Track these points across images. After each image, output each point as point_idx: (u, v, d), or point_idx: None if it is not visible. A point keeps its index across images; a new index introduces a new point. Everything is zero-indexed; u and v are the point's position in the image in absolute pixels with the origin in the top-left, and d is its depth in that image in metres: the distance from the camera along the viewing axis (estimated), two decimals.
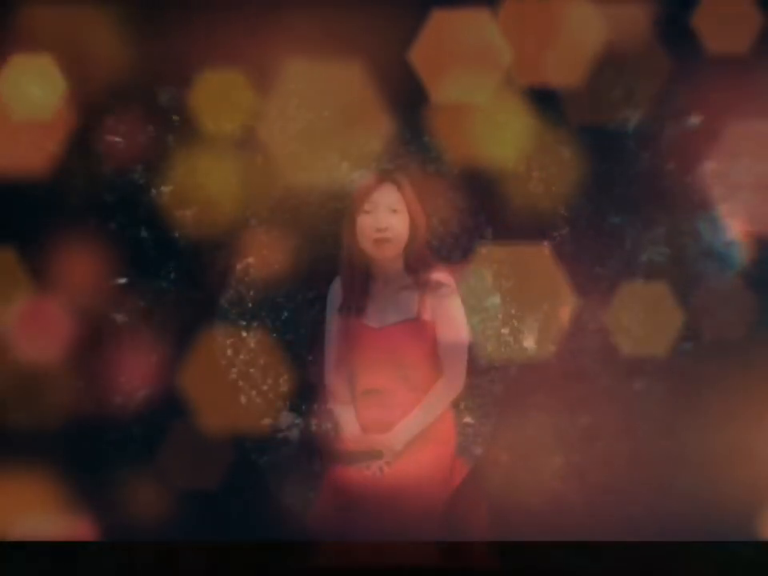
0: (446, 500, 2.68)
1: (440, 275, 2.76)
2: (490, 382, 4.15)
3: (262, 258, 3.98)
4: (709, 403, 3.02)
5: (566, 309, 3.29)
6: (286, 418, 4.24)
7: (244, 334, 4.24)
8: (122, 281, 3.38)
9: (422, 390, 2.70)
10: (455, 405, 2.84)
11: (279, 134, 3.58)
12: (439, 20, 3.02)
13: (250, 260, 4.00)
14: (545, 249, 3.39)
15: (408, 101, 3.30)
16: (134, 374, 3.41)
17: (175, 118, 3.36)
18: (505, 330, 4.28)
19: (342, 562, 2.64)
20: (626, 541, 2.88)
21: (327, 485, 2.75)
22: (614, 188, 3.19)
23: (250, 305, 4.14)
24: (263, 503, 3.38)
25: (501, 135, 3.28)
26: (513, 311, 4.30)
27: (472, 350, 2.80)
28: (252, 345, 4.19)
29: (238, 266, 3.95)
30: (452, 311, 2.75)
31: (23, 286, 3.07)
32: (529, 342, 4.32)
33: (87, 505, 3.05)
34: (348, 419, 2.76)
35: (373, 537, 2.62)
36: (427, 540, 2.63)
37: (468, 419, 4.15)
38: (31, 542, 2.97)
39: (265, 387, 4.25)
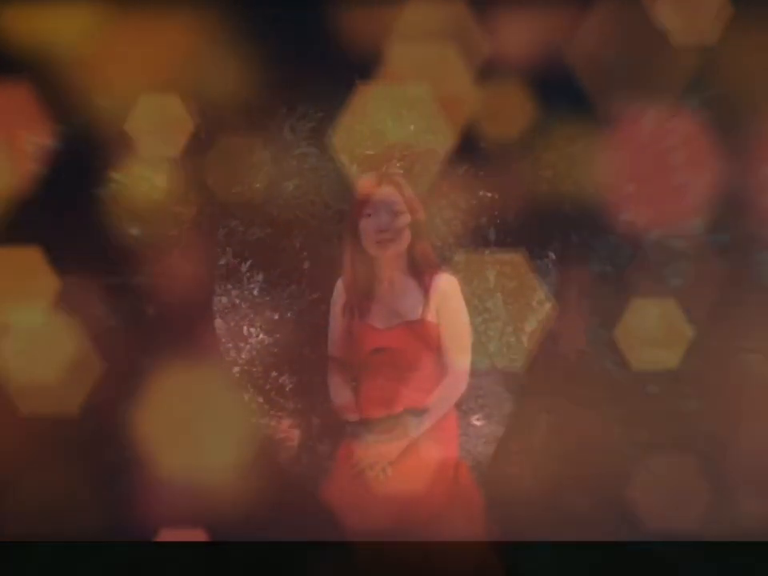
0: (448, 500, 2.68)
1: (443, 276, 2.76)
2: (493, 382, 4.16)
3: (267, 258, 3.98)
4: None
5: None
6: (289, 418, 4.24)
7: (245, 332, 4.25)
8: (116, 280, 3.37)
9: (425, 391, 2.70)
10: (458, 405, 2.83)
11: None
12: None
13: (254, 260, 4.01)
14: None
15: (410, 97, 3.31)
16: (136, 374, 3.41)
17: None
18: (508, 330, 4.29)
19: (342, 562, 2.64)
20: (630, 541, 2.88)
21: (339, 462, 2.78)
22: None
23: (255, 304, 4.14)
24: (264, 504, 3.38)
25: (506, 130, 3.27)
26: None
27: (475, 351, 2.81)
28: (256, 344, 4.19)
29: (243, 267, 3.95)
30: (456, 312, 2.74)
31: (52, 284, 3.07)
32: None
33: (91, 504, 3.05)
34: (352, 419, 2.75)
35: (375, 537, 2.62)
36: (427, 540, 2.63)
37: (471, 420, 4.15)
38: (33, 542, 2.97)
39: (267, 386, 4.25)
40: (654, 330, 2.95)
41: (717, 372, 2.92)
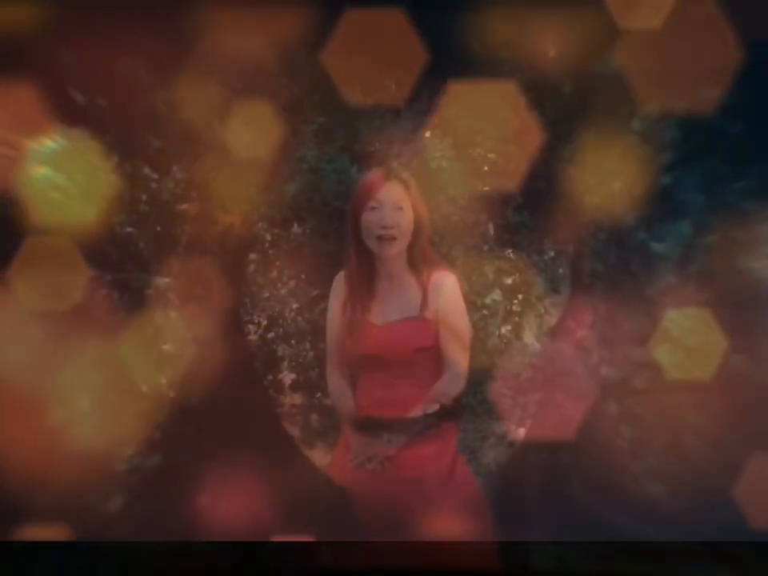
0: (445, 494, 2.69)
1: (442, 273, 2.76)
2: (491, 378, 4.16)
3: (267, 256, 3.98)
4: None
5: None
6: (288, 413, 4.25)
7: (247, 330, 4.25)
8: (117, 276, 3.37)
9: (424, 387, 2.71)
10: (457, 401, 2.83)
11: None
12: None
13: (254, 256, 4.00)
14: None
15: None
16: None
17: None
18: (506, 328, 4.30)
19: (341, 562, 2.64)
20: (630, 541, 2.88)
21: (337, 456, 2.79)
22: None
23: (256, 302, 4.14)
24: (262, 502, 3.38)
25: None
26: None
27: (473, 348, 2.80)
28: (255, 340, 4.20)
29: (245, 264, 3.95)
30: (454, 309, 2.74)
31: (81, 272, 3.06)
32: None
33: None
34: (350, 414, 2.76)
35: (373, 535, 2.62)
36: (428, 540, 2.63)
37: (469, 415, 4.16)
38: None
39: (265, 383, 4.26)
40: (688, 342, 2.93)
41: (704, 371, 2.93)
